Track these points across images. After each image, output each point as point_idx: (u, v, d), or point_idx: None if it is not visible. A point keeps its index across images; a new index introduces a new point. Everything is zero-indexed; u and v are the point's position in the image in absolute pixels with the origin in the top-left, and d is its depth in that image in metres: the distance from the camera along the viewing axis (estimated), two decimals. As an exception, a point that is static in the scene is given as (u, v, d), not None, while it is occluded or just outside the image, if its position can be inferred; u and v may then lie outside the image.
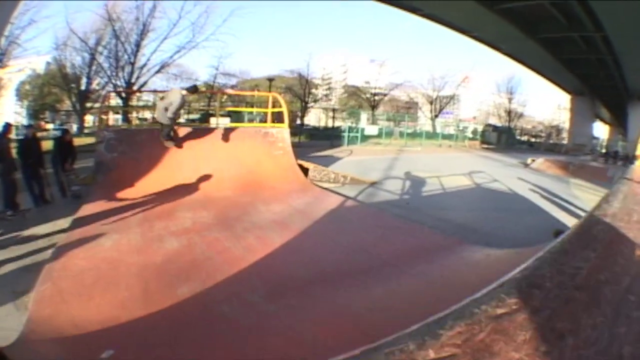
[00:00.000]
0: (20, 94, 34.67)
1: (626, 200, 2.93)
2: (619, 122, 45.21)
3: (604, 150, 38.45)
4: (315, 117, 51.52)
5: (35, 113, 35.57)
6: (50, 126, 33.48)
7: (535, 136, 56.25)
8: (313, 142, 24.90)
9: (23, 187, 6.97)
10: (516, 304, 1.35)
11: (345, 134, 26.31)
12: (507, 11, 27.63)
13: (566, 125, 51.09)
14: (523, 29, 29.91)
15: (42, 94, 35.01)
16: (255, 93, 25.72)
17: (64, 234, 5.16)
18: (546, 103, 62.93)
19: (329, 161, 14.05)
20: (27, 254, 4.68)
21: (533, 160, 19.48)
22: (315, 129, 40.56)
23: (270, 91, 23.63)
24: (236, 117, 23.96)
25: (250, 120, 24.94)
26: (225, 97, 34.54)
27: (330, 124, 42.16)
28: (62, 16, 36.36)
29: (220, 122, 13.77)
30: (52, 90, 34.00)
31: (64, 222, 5.80)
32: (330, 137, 27.17)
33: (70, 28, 28.99)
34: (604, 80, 37.45)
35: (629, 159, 21.58)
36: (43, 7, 26.60)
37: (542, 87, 48.30)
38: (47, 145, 8.52)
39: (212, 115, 22.50)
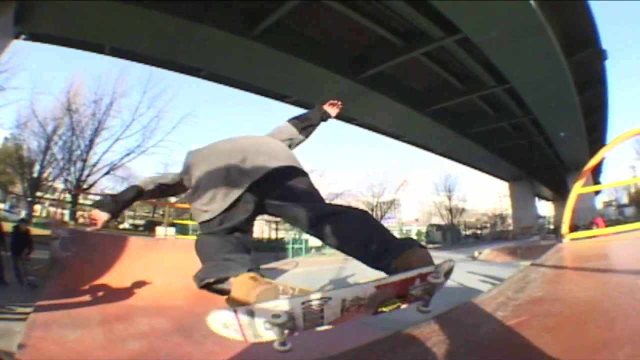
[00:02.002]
0: None
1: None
2: (561, 197, 46.72)
3: (552, 227, 38.99)
4: (258, 229, 51.39)
5: None
6: (1, 206, 31.60)
7: (481, 228, 57.03)
8: (258, 255, 24.41)
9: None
10: None
11: (290, 246, 26.41)
12: (437, 112, 29.42)
13: (509, 211, 52.46)
14: (453, 126, 31.83)
15: None
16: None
17: (29, 318, 5.36)
18: (486, 193, 64.68)
19: (275, 274, 14.27)
20: None
21: (480, 253, 19.96)
22: (259, 241, 40.53)
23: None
24: (180, 228, 24.08)
25: (195, 231, 25.01)
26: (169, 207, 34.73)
27: (273, 236, 41.98)
28: (28, 93, 36.17)
29: (167, 233, 14.12)
30: (6, 170, 32.79)
31: (26, 306, 5.97)
32: (274, 249, 27.25)
33: (33, 108, 29.20)
34: (539, 161, 39.74)
35: (558, 237, 22.06)
36: (14, 75, 26.59)
37: (480, 179, 51.00)
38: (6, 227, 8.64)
39: (157, 223, 22.56)
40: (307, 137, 2.85)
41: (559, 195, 49.27)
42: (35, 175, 30.21)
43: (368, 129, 35.07)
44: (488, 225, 60.14)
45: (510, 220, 54.69)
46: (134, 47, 22.12)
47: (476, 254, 20.50)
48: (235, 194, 2.10)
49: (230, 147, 2.30)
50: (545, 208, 58.55)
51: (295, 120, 2.82)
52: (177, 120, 38.24)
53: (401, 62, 23.32)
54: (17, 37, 17.77)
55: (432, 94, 28.66)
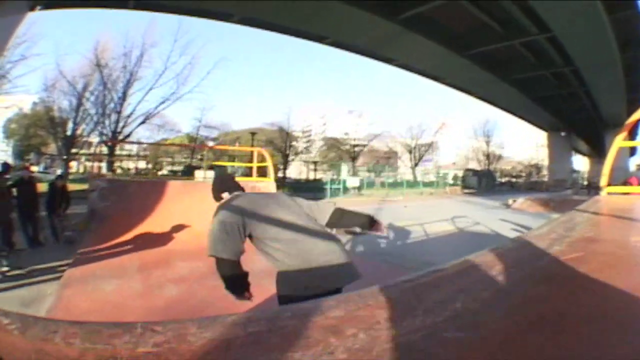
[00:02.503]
0: (7, 132, 34.17)
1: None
2: (597, 153, 46.29)
3: (586, 183, 38.52)
4: (296, 170, 52.01)
5: (20, 153, 35.03)
6: (35, 168, 32.80)
7: (515, 176, 56.97)
8: (296, 195, 24.91)
9: (18, 227, 7.06)
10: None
11: (328, 187, 26.61)
12: (478, 55, 28.74)
13: (545, 162, 51.70)
14: (494, 71, 31.10)
15: (28, 135, 35.05)
16: (237, 147, 26.17)
17: (63, 275, 5.31)
18: (524, 142, 63.74)
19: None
20: (28, 290, 4.83)
21: (514, 201, 19.86)
22: (298, 182, 41.10)
23: (252, 144, 24.18)
24: (219, 170, 24.20)
25: (233, 174, 25.17)
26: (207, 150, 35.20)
27: (311, 177, 42.43)
28: (52, 56, 36.39)
29: (206, 176, 14.06)
30: (38, 132, 33.92)
31: (60, 265, 5.93)
32: (312, 190, 27.52)
33: (60, 70, 29.44)
34: (578, 114, 39.02)
35: (590, 193, 21.89)
36: (35, 43, 26.56)
37: (519, 127, 50.10)
38: (40, 187, 8.64)
39: (196, 167, 22.76)
40: (331, 228, 2.72)
41: (595, 151, 47.91)
42: (68, 133, 30.79)
43: (408, 70, 34.09)
44: (523, 174, 59.35)
45: (545, 172, 53.76)
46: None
47: (510, 202, 20.27)
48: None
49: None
50: (580, 163, 56.92)
51: (340, 211, 2.71)
52: (211, 66, 37.53)
53: (441, 4, 22.34)
54: (32, 9, 17.23)
55: (472, 37, 27.39)
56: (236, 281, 2.41)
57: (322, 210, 2.67)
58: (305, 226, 2.42)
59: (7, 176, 7.23)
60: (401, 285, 1.76)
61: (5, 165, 7.26)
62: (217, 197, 2.73)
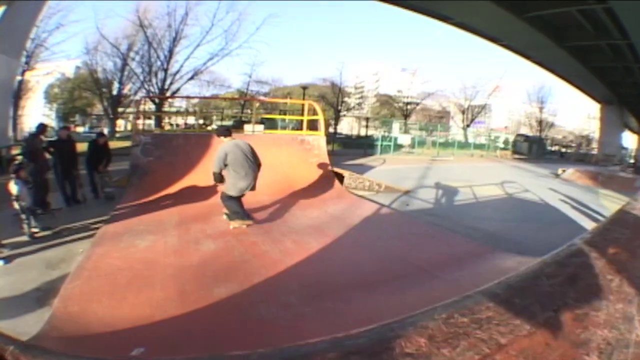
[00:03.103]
0: (49, 97, 35.35)
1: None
2: None
3: (632, 161, 37.08)
4: (347, 126, 51.34)
5: (65, 116, 36.27)
6: (80, 129, 33.82)
7: (565, 146, 54.36)
8: (347, 151, 24.64)
9: (55, 187, 7.01)
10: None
11: (379, 143, 26.01)
12: (536, 19, 27.27)
13: (596, 135, 49.53)
14: (552, 36, 29.42)
15: (72, 98, 35.94)
16: (289, 100, 25.73)
17: (97, 233, 5.17)
18: (576, 112, 61.11)
19: (363, 169, 13.84)
20: (55, 251, 4.66)
21: (564, 171, 19.12)
22: (349, 137, 40.29)
23: (303, 99, 23.60)
24: (270, 124, 23.99)
25: (283, 128, 24.94)
26: (258, 104, 35.08)
27: (363, 133, 41.79)
28: (91, 21, 36.52)
29: (255, 129, 13.76)
30: (82, 94, 34.64)
31: (96, 222, 5.81)
32: (363, 145, 26.90)
33: (101, 33, 29.41)
34: (631, 89, 36.77)
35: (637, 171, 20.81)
36: (70, 11, 26.67)
37: (572, 96, 47.23)
38: (80, 147, 8.54)
39: (246, 122, 22.61)
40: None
41: None
42: (114, 92, 31.12)
43: (464, 29, 32.16)
44: (573, 144, 55.54)
45: (594, 145, 50.24)
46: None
47: (560, 171, 19.34)
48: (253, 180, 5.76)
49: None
50: (629, 140, 51.69)
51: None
52: (260, 22, 36.67)
53: None
54: None
55: (530, 1, 25.64)
56: (217, 178, 5.63)
57: (256, 156, 5.90)
58: (245, 164, 5.64)
59: (43, 137, 7.12)
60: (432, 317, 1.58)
61: (40, 125, 7.15)
62: (218, 138, 5.98)
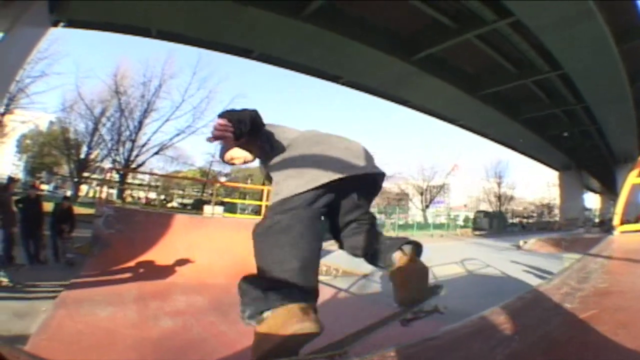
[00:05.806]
0: (21, 147, 34.57)
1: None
2: (609, 190, 45.61)
3: (597, 220, 37.97)
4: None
5: (32, 170, 35.27)
6: (45, 187, 32.78)
7: (527, 217, 55.63)
8: None
9: (19, 242, 7.02)
10: None
11: None
12: (490, 96, 28.62)
13: (557, 201, 51.08)
14: (506, 112, 30.98)
15: (42, 153, 35.34)
16: (248, 185, 26.18)
17: (59, 296, 5.21)
18: (535, 183, 62.71)
19: (320, 254, 13.95)
20: (20, 304, 4.75)
21: (525, 242, 19.58)
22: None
23: (263, 182, 24.19)
24: (229, 206, 24.26)
25: (243, 210, 25.18)
26: (218, 185, 35.31)
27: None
28: (72, 77, 36.64)
29: (214, 211, 14.04)
30: (51, 152, 34.09)
31: (58, 286, 5.81)
32: (321, 228, 27.13)
33: (79, 92, 29.87)
34: (589, 151, 38.68)
35: (602, 230, 21.45)
36: (56, 61, 27.18)
37: (530, 167, 49.46)
38: (46, 206, 8.62)
39: (205, 202, 22.82)
40: None
41: (607, 188, 47.38)
42: (82, 156, 31.00)
43: (420, 111, 34.21)
44: (535, 214, 58.53)
45: (557, 211, 52.86)
46: (182, 29, 21.91)
47: (521, 243, 20.00)
48: (332, 176, 1.91)
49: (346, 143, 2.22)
50: (591, 200, 56.14)
51: None
52: (227, 101, 38.17)
53: (454, 44, 22.26)
54: (55, 24, 17.60)
55: (484, 78, 27.67)
56: None
57: None
58: None
59: (12, 190, 7.27)
60: (409, 350, 1.77)
61: (10, 179, 7.34)
62: None
